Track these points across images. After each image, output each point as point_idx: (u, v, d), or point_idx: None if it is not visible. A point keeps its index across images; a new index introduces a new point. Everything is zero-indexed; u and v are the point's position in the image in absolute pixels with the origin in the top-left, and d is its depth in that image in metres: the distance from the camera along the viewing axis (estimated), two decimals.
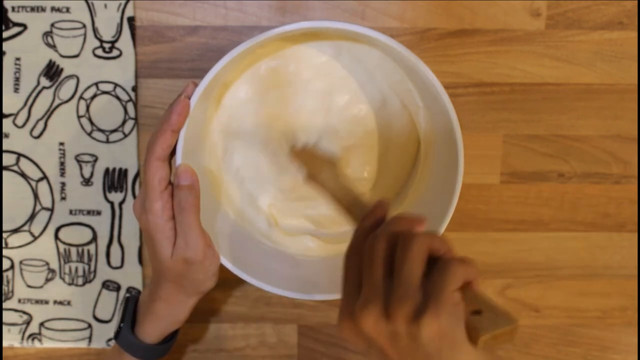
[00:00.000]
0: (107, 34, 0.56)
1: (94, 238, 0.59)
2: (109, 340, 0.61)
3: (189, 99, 0.45)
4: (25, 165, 0.58)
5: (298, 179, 0.55)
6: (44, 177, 0.58)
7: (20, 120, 0.57)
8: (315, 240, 0.55)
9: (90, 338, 0.61)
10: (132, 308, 0.51)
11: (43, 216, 0.59)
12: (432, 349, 0.33)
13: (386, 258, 0.36)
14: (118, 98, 0.57)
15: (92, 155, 0.58)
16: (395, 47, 0.45)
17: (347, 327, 0.36)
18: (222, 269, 0.49)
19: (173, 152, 0.46)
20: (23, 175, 0.58)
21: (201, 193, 0.47)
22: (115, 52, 0.56)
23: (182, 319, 0.50)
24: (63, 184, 0.58)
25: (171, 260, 0.46)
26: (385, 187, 0.56)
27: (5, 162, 0.58)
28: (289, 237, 0.55)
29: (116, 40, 0.56)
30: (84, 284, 0.60)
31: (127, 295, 0.53)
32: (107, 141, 0.58)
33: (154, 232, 0.46)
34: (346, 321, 0.36)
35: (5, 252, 0.59)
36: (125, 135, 0.58)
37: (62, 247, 0.59)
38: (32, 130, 0.57)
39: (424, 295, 0.34)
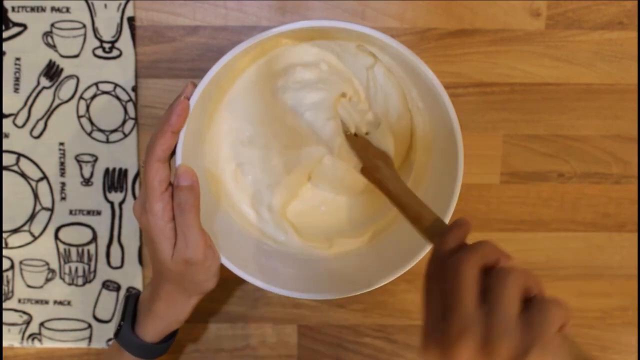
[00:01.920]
0: (107, 34, 0.56)
1: (94, 238, 0.59)
2: (109, 340, 0.61)
3: (189, 99, 0.45)
4: (25, 165, 0.58)
5: (303, 179, 0.55)
6: (44, 177, 0.58)
7: (20, 120, 0.57)
8: (319, 240, 0.55)
9: (90, 338, 0.61)
10: (132, 307, 0.51)
11: (43, 216, 0.59)
12: None
13: (478, 287, 0.35)
14: (118, 98, 0.57)
15: (92, 155, 0.58)
16: (396, 47, 0.45)
17: (433, 355, 0.35)
18: (222, 269, 0.49)
19: (173, 153, 0.46)
20: (23, 175, 0.58)
21: (201, 193, 0.47)
22: (115, 52, 0.56)
23: (183, 319, 0.50)
24: (63, 184, 0.58)
25: (172, 261, 0.46)
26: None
27: (5, 162, 0.58)
28: (293, 237, 0.55)
29: (116, 40, 0.56)
30: (84, 284, 0.60)
31: (128, 294, 0.53)
32: (107, 141, 0.58)
33: (154, 233, 0.46)
34: (433, 348, 0.35)
35: (5, 252, 0.59)
36: (125, 135, 0.58)
37: (62, 247, 0.59)
38: (32, 130, 0.57)
39: (526, 333, 0.32)
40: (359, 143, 0.51)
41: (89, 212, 0.59)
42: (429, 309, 0.37)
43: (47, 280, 0.60)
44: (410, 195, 0.45)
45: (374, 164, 0.49)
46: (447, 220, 0.48)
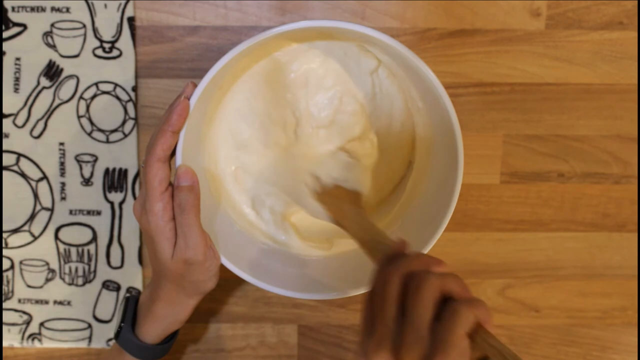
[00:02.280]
0: (107, 34, 0.56)
1: (94, 238, 0.59)
2: (109, 340, 0.61)
3: (189, 99, 0.45)
4: (25, 165, 0.58)
5: (301, 180, 0.55)
6: (44, 177, 0.58)
7: (20, 120, 0.57)
8: (320, 240, 0.55)
9: (90, 338, 0.61)
10: (132, 308, 0.51)
11: (43, 216, 0.59)
12: None
13: (399, 298, 0.36)
14: (118, 98, 0.57)
15: (92, 155, 0.58)
16: (396, 47, 0.44)
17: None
18: (222, 269, 0.49)
19: (173, 153, 0.46)
20: (23, 175, 0.58)
21: (201, 193, 0.47)
22: (115, 52, 0.56)
23: (183, 320, 0.50)
24: (63, 184, 0.58)
25: (171, 261, 0.46)
26: (386, 187, 0.56)
27: (5, 162, 0.58)
28: (293, 237, 0.55)
29: (116, 40, 0.56)
30: (84, 284, 0.60)
31: (127, 295, 0.53)
32: (107, 141, 0.58)
33: (154, 234, 0.46)
34: (360, 358, 0.37)
35: (5, 252, 0.59)
36: (125, 135, 0.58)
37: (62, 247, 0.59)
38: (32, 130, 0.57)
39: (433, 340, 0.34)
40: (329, 194, 0.52)
41: (89, 212, 0.59)
42: (363, 324, 0.39)
43: (47, 280, 0.60)
44: (368, 231, 0.47)
45: (341, 211, 0.50)
46: (447, 220, 0.48)
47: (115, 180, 0.58)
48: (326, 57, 0.53)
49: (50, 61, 0.57)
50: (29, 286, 0.60)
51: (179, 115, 0.44)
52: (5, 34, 0.56)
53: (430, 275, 0.36)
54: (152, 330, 0.50)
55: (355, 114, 0.54)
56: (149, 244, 0.47)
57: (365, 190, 0.53)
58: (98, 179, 0.58)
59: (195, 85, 0.45)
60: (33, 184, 0.58)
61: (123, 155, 0.58)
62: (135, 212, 0.47)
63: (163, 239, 0.45)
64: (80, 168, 0.58)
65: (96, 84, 0.57)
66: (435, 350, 0.33)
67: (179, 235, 0.45)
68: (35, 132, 0.57)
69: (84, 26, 0.56)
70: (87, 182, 0.58)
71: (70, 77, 0.57)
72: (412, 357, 0.34)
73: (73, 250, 0.59)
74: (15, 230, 0.59)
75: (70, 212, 0.59)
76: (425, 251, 0.49)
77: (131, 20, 0.56)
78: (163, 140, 0.44)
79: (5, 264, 0.59)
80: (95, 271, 0.60)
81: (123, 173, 0.58)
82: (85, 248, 0.59)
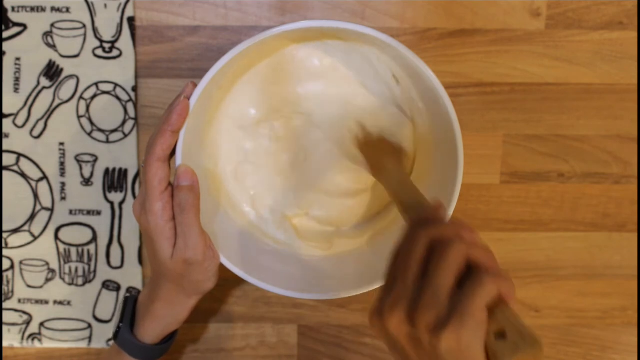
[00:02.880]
0: (107, 34, 0.56)
1: (94, 238, 0.59)
2: (109, 340, 0.61)
3: (189, 99, 0.45)
4: (25, 165, 0.58)
5: (303, 178, 0.55)
6: (44, 177, 0.58)
7: (20, 120, 0.57)
8: (320, 240, 0.55)
9: (90, 338, 0.61)
10: (131, 308, 0.51)
11: (43, 216, 0.59)
12: None
13: (422, 260, 0.36)
14: (118, 98, 0.57)
15: (92, 155, 0.58)
16: (396, 47, 0.44)
17: (375, 323, 0.37)
18: (222, 269, 0.49)
19: (173, 153, 0.46)
20: (23, 175, 0.58)
21: (201, 193, 0.47)
22: (115, 52, 0.56)
23: (182, 320, 0.50)
24: (63, 184, 0.58)
25: (171, 260, 0.46)
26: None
27: (5, 162, 0.58)
28: (293, 237, 0.55)
29: (116, 40, 0.56)
30: (84, 284, 0.60)
31: (127, 295, 0.53)
32: (107, 141, 0.58)
33: (154, 233, 0.46)
34: (375, 317, 0.37)
35: (5, 252, 0.59)
36: (125, 135, 0.58)
37: (62, 247, 0.59)
38: (32, 130, 0.57)
39: (450, 306, 0.33)
40: (369, 145, 0.51)
41: (89, 212, 0.59)
42: (385, 282, 0.38)
43: (47, 280, 0.60)
44: (404, 188, 0.46)
45: (381, 163, 0.50)
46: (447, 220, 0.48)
47: (115, 180, 0.58)
48: (324, 54, 0.53)
49: (50, 61, 0.57)
50: (29, 286, 0.60)
51: (179, 115, 0.44)
52: (5, 34, 0.56)
53: (458, 241, 0.35)
54: (151, 330, 0.50)
55: (357, 110, 0.54)
56: (148, 244, 0.47)
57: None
58: (98, 179, 0.58)
59: (195, 85, 0.45)
60: (33, 184, 0.58)
61: (123, 155, 0.58)
62: (135, 211, 0.47)
63: (163, 238, 0.45)
64: (80, 168, 0.58)
65: (96, 84, 0.57)
66: (452, 316, 0.33)
67: (179, 235, 0.45)
68: (35, 132, 0.57)
69: (84, 26, 0.56)
70: (87, 182, 0.58)
71: (70, 77, 0.57)
72: (426, 319, 0.33)
73: (73, 250, 0.59)
74: (15, 230, 0.59)
75: (70, 212, 0.59)
76: None
77: (131, 20, 0.56)
78: (163, 140, 0.44)
79: (5, 264, 0.59)
80: (95, 271, 0.60)
81: (123, 173, 0.58)
82: (85, 248, 0.59)
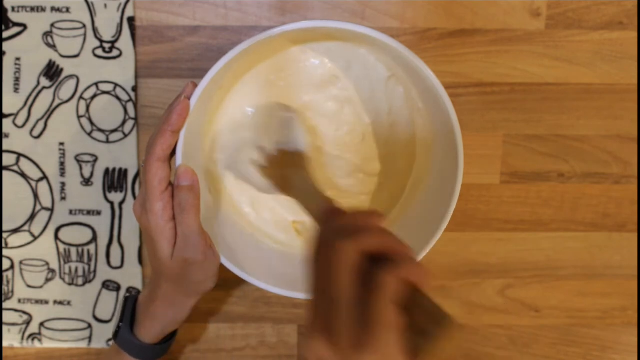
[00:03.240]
0: (107, 34, 0.56)
1: (94, 238, 0.59)
2: (109, 340, 0.61)
3: (189, 99, 0.45)
4: (25, 165, 0.58)
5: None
6: (44, 177, 0.58)
7: (20, 120, 0.57)
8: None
9: (90, 338, 0.61)
10: (131, 308, 0.51)
11: (43, 216, 0.59)
12: None
13: (320, 275, 0.34)
14: (118, 98, 0.57)
15: (92, 155, 0.58)
16: (396, 47, 0.44)
17: (309, 355, 0.34)
18: (222, 268, 0.49)
19: (173, 153, 0.46)
20: (23, 175, 0.58)
21: (201, 193, 0.47)
22: (115, 52, 0.56)
23: (182, 320, 0.50)
24: (63, 184, 0.58)
25: (171, 260, 0.46)
26: (387, 187, 0.56)
27: (5, 162, 0.58)
28: (293, 237, 0.55)
29: (116, 40, 0.56)
30: (84, 284, 0.60)
31: (127, 295, 0.53)
32: (107, 141, 0.58)
33: (154, 233, 0.46)
34: (307, 349, 0.34)
35: (5, 252, 0.59)
36: (125, 135, 0.58)
37: (62, 247, 0.59)
38: (32, 130, 0.57)
39: (360, 319, 0.31)
40: (276, 164, 0.51)
41: (89, 212, 0.59)
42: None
43: (47, 280, 0.60)
44: (312, 194, 0.45)
45: (283, 179, 0.50)
46: (447, 220, 0.48)
47: (115, 180, 0.58)
48: (324, 55, 0.53)
49: (50, 61, 0.57)
50: (29, 286, 0.60)
51: (179, 115, 0.44)
52: (5, 34, 0.56)
53: (343, 242, 0.32)
54: (151, 330, 0.50)
55: (358, 110, 0.54)
56: (148, 244, 0.47)
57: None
58: (98, 179, 0.58)
59: (195, 85, 0.45)
60: (33, 184, 0.58)
61: (123, 155, 0.58)
62: (135, 211, 0.47)
63: (163, 238, 0.45)
64: (80, 168, 0.58)
65: (96, 84, 0.57)
66: (365, 331, 0.31)
67: (179, 235, 0.45)
68: (35, 132, 0.57)
69: (84, 26, 0.56)
70: (87, 182, 0.58)
71: (70, 77, 0.57)
72: (344, 341, 0.32)
73: (73, 250, 0.59)
74: (15, 230, 0.59)
75: (70, 212, 0.59)
76: (425, 251, 0.49)
77: (131, 20, 0.56)
78: (163, 140, 0.44)
79: (5, 264, 0.59)
80: (95, 271, 0.60)
81: (123, 173, 0.58)
82: (85, 248, 0.59)
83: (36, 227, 0.59)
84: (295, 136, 0.54)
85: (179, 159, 0.46)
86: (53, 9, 0.56)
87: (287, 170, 0.50)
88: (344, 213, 0.39)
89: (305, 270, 0.36)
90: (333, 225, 0.37)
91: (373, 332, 0.31)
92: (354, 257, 0.32)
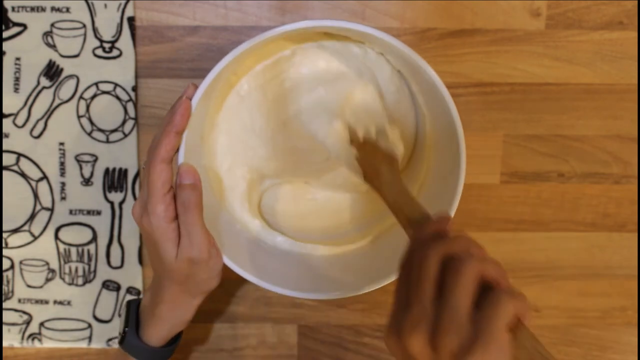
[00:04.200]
0: (107, 34, 0.56)
1: (94, 238, 0.59)
2: (109, 340, 0.61)
3: (190, 100, 0.45)
4: (25, 165, 0.58)
5: (305, 180, 0.55)
6: (44, 177, 0.58)
7: (20, 120, 0.57)
8: (315, 243, 0.55)
9: (90, 338, 0.61)
10: (135, 312, 0.51)
11: (43, 216, 0.59)
12: None
13: (437, 278, 0.35)
14: (118, 98, 0.57)
15: (92, 155, 0.58)
16: (398, 47, 0.45)
17: (393, 342, 0.36)
18: (223, 268, 0.49)
19: (176, 153, 0.46)
20: (23, 175, 0.58)
21: (203, 192, 0.47)
22: (115, 52, 0.56)
23: (187, 320, 0.50)
24: (63, 184, 0.58)
25: (176, 261, 0.46)
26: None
27: (5, 162, 0.58)
28: (293, 237, 0.55)
29: (116, 40, 0.56)
30: (84, 284, 0.60)
31: (129, 299, 0.53)
32: (107, 141, 0.58)
33: (157, 235, 0.45)
34: (393, 336, 0.36)
35: (5, 252, 0.59)
36: (125, 135, 0.58)
37: (62, 247, 0.59)
38: (32, 130, 0.57)
39: (472, 328, 0.33)
40: (365, 149, 0.51)
41: (89, 212, 0.59)
42: (397, 297, 0.37)
43: (47, 280, 0.60)
44: (406, 199, 0.45)
45: (377, 169, 0.49)
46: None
47: (115, 180, 0.58)
48: (325, 55, 0.53)
49: (50, 61, 0.57)
50: (29, 286, 0.60)
51: (182, 115, 0.44)
52: (5, 34, 0.56)
53: (471, 258, 0.34)
54: (157, 333, 0.50)
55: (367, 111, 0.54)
56: (150, 247, 0.47)
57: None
58: (98, 179, 0.58)
59: (196, 87, 0.45)
60: (33, 184, 0.58)
61: (123, 155, 0.58)
62: (135, 214, 0.46)
63: (166, 239, 0.45)
64: (80, 168, 0.58)
65: (96, 84, 0.57)
66: (475, 342, 0.32)
67: (183, 235, 0.45)
68: (35, 132, 0.57)
69: (84, 26, 0.56)
70: (87, 182, 0.58)
71: (70, 77, 0.57)
72: (449, 345, 0.32)
73: (73, 250, 0.59)
74: (15, 230, 0.59)
75: (70, 212, 0.59)
76: None
77: (131, 20, 0.56)
78: (167, 141, 0.44)
79: (5, 264, 0.59)
80: (95, 271, 0.60)
81: (123, 173, 0.58)
82: (85, 248, 0.59)
83: (36, 227, 0.59)
84: (296, 138, 0.54)
85: (181, 157, 0.46)
86: (53, 9, 0.56)
87: (379, 164, 0.49)
88: (453, 233, 0.38)
89: (406, 262, 0.37)
90: (454, 242, 0.37)
91: (485, 344, 0.32)
92: (478, 268, 0.34)
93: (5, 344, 0.61)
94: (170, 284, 0.48)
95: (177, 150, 0.46)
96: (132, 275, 0.60)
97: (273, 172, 0.55)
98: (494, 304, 0.33)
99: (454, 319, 0.33)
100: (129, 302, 0.52)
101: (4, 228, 0.59)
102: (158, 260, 0.47)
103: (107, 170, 0.58)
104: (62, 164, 0.58)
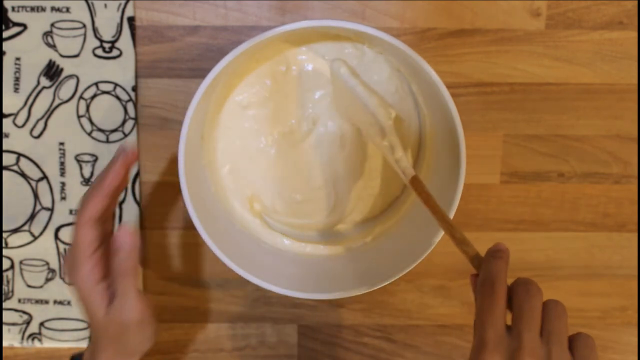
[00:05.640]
0: (107, 34, 0.56)
1: None
2: None
3: (126, 164, 0.45)
4: (25, 165, 0.58)
5: (299, 180, 0.55)
6: (44, 177, 0.58)
7: (20, 120, 0.57)
8: (315, 243, 0.56)
9: (90, 338, 0.61)
10: None
11: (43, 216, 0.59)
12: None
13: (540, 316, 0.38)
14: (118, 98, 0.57)
15: (92, 155, 0.58)
16: (398, 46, 0.45)
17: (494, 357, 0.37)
18: (223, 268, 0.49)
19: (108, 213, 0.46)
20: (23, 175, 0.58)
21: (203, 192, 0.47)
22: (115, 52, 0.56)
23: None
24: (63, 184, 0.58)
25: (105, 321, 0.45)
26: (389, 188, 0.56)
27: (5, 162, 0.58)
28: (293, 237, 0.55)
29: (116, 40, 0.56)
30: None
31: (73, 353, 0.51)
32: (107, 141, 0.58)
33: (82, 295, 0.45)
34: (497, 356, 0.37)
35: (5, 252, 0.59)
36: (125, 135, 0.58)
37: (62, 247, 0.59)
38: (32, 130, 0.57)
39: (546, 354, 0.36)
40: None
41: None
42: (494, 317, 0.38)
43: (47, 280, 0.60)
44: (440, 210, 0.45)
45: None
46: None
47: None
48: (325, 56, 0.53)
49: (50, 61, 0.57)
50: (29, 286, 0.60)
51: (113, 178, 0.44)
52: (5, 34, 0.56)
53: (538, 295, 0.38)
54: None
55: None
56: (80, 305, 0.46)
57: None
58: None
59: (135, 155, 0.45)
60: (33, 184, 0.58)
61: None
62: (65, 272, 0.46)
63: (92, 300, 0.45)
64: (80, 168, 0.58)
65: (96, 84, 0.57)
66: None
67: (116, 297, 0.45)
68: (35, 132, 0.57)
69: (84, 26, 0.56)
70: (87, 182, 0.58)
71: (70, 77, 0.57)
72: None
73: None
74: (15, 230, 0.59)
75: (71, 212, 0.59)
76: (427, 252, 0.49)
77: (131, 20, 0.56)
78: (96, 201, 0.44)
79: (5, 264, 0.59)
80: None
81: None
82: None
83: (36, 227, 0.59)
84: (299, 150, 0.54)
85: (181, 157, 0.46)
86: (53, 8, 0.56)
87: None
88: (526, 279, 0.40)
89: (488, 282, 0.40)
90: (528, 283, 0.39)
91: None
92: (540, 294, 0.38)
93: (5, 344, 0.61)
94: (104, 344, 0.46)
95: (110, 208, 0.45)
96: None
97: (274, 171, 0.55)
98: (588, 346, 0.37)
99: (564, 355, 0.36)
100: (73, 357, 0.51)
101: (4, 228, 0.59)
102: (88, 319, 0.46)
103: None
104: (62, 164, 0.58)
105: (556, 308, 0.38)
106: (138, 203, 0.58)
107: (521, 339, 0.36)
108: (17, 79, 0.57)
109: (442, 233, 0.48)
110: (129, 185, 0.58)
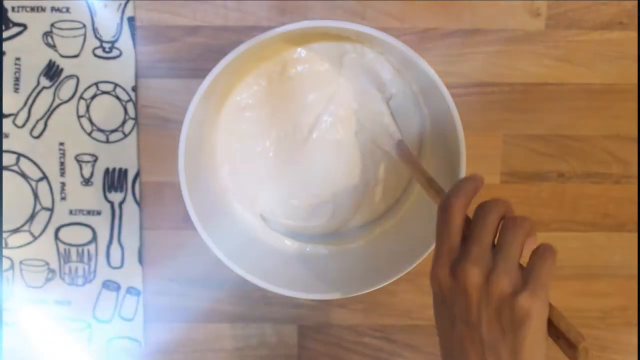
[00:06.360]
0: (107, 34, 0.56)
1: (94, 238, 0.59)
2: (110, 340, 0.61)
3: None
4: (25, 165, 0.58)
5: (298, 184, 0.55)
6: (44, 177, 0.58)
7: (20, 120, 0.57)
8: (315, 243, 0.55)
9: (90, 338, 0.61)
10: None
11: (43, 216, 0.59)
12: (516, 323, 0.36)
13: (495, 231, 0.39)
14: (118, 98, 0.57)
15: (92, 155, 0.58)
16: (398, 47, 0.45)
17: (442, 274, 0.39)
18: (223, 268, 0.49)
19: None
20: (23, 175, 0.58)
21: (203, 192, 0.47)
22: (115, 52, 0.56)
23: None
24: (63, 184, 0.58)
25: None
26: (389, 188, 0.56)
27: (5, 162, 0.58)
28: (293, 237, 0.55)
29: (116, 40, 0.56)
30: (84, 284, 0.60)
31: None
32: (107, 141, 0.58)
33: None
34: (443, 269, 0.39)
35: (5, 252, 0.59)
36: (125, 135, 0.58)
37: (62, 247, 0.59)
38: (32, 130, 0.57)
39: (522, 275, 0.37)
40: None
41: (89, 212, 0.59)
42: (449, 235, 0.40)
43: (47, 280, 0.60)
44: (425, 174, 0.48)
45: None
46: None
47: (115, 180, 0.58)
48: (325, 56, 0.53)
49: (50, 61, 0.57)
50: (29, 286, 0.60)
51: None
52: (5, 34, 0.56)
53: (522, 221, 0.39)
54: None
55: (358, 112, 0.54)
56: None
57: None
58: (98, 179, 0.58)
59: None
60: (33, 184, 0.58)
61: (123, 155, 0.58)
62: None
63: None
64: (80, 168, 0.58)
65: (96, 84, 0.57)
66: (527, 284, 0.37)
67: None
68: (35, 132, 0.57)
69: (84, 26, 0.56)
70: (87, 182, 0.58)
71: (70, 77, 0.57)
72: (501, 283, 0.36)
73: (73, 250, 0.59)
74: (15, 230, 0.59)
75: (70, 212, 0.59)
76: (427, 252, 0.49)
77: (131, 20, 0.56)
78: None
79: (5, 264, 0.59)
80: (95, 271, 0.60)
81: (123, 173, 0.58)
82: (85, 248, 0.59)
83: (36, 227, 0.59)
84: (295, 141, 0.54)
85: (181, 157, 0.46)
86: (53, 9, 0.56)
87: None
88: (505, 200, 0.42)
89: (458, 205, 0.40)
90: (508, 204, 0.41)
91: (536, 288, 0.37)
92: (528, 229, 0.39)
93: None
94: None
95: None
96: (132, 275, 0.60)
97: (275, 171, 0.55)
98: (545, 258, 0.38)
99: (509, 264, 0.37)
100: None
101: (4, 228, 0.59)
102: None
103: (107, 170, 0.58)
104: (62, 164, 0.58)
105: (520, 232, 0.39)
106: (138, 203, 0.58)
107: (468, 250, 0.38)
108: (17, 79, 0.57)
109: None
110: (129, 185, 0.58)
